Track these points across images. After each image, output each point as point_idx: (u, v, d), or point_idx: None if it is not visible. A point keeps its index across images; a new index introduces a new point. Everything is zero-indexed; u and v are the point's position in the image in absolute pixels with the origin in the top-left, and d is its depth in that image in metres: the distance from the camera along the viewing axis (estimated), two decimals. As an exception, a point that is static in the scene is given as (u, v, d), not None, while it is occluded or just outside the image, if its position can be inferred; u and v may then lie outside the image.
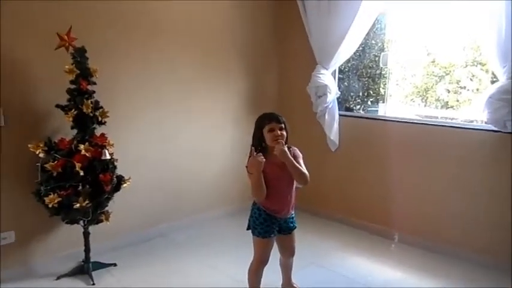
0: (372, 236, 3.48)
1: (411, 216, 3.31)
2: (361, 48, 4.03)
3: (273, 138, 2.07)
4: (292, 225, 2.30)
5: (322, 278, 2.75)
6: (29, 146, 2.34)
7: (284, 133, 2.11)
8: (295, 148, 2.20)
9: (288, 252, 2.36)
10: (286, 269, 2.48)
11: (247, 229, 2.28)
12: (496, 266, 2.84)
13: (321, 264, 2.92)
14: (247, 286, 2.32)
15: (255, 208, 2.23)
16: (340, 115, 3.64)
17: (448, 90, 4.21)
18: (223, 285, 2.63)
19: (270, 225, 2.18)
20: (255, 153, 2.07)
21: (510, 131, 2.66)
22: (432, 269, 2.91)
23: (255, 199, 2.19)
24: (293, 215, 2.31)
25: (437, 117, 3.94)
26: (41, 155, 2.36)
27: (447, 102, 4.19)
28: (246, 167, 2.15)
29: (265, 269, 2.26)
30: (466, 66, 4.01)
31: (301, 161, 2.17)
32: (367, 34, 3.60)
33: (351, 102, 4.26)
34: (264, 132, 2.10)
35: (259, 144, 2.12)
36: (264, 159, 2.03)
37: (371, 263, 3.01)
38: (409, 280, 2.76)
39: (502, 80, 2.64)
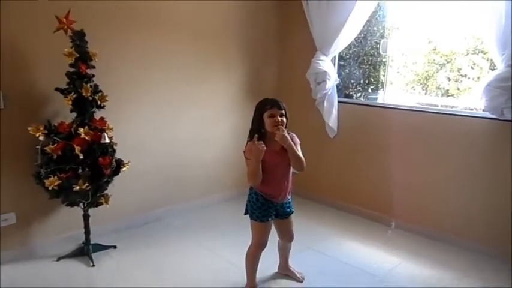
0: (369, 222, 3.51)
1: (409, 203, 3.33)
2: (362, 35, 4.01)
3: (274, 124, 2.08)
4: (289, 210, 2.34)
5: (318, 262, 2.79)
6: (29, 128, 2.35)
7: (284, 119, 2.11)
8: (294, 134, 2.22)
9: (286, 236, 2.41)
10: (284, 252, 2.53)
11: (245, 214, 2.31)
12: (495, 254, 2.88)
13: (317, 249, 2.96)
14: (245, 269, 2.36)
15: (252, 193, 2.25)
16: (339, 102, 3.64)
17: (448, 78, 4.19)
18: (220, 268, 2.67)
19: (267, 209, 2.21)
20: (254, 139, 2.07)
21: (507, 118, 2.67)
22: (429, 255, 2.94)
23: (251, 184, 2.22)
24: (290, 200, 2.35)
25: (437, 105, 3.93)
26: (41, 138, 2.38)
27: (448, 90, 4.18)
28: (244, 152, 2.16)
29: (262, 253, 2.30)
30: (467, 54, 3.99)
31: (299, 148, 2.19)
32: (369, 21, 3.58)
33: (350, 90, 4.25)
34: (264, 117, 2.10)
35: (258, 129, 2.12)
36: (265, 147, 2.04)
37: (367, 248, 3.05)
38: (405, 265, 2.80)
39: (500, 67, 2.64)
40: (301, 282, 2.50)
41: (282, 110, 2.10)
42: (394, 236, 3.29)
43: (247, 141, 2.16)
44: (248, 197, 2.29)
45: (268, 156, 2.08)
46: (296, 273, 2.54)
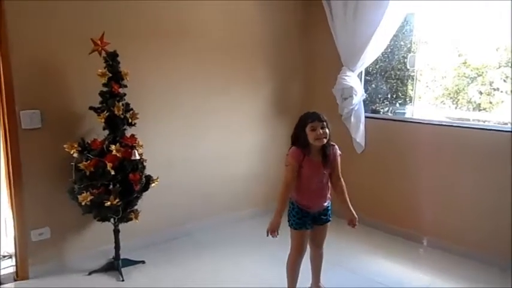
0: (399, 239, 3.42)
1: (440, 219, 3.23)
2: (389, 50, 3.98)
3: (316, 137, 2.13)
4: (325, 217, 2.34)
5: (348, 281, 2.74)
6: (64, 146, 2.45)
7: (327, 131, 2.16)
8: (336, 146, 2.27)
9: (315, 241, 2.39)
10: (315, 265, 2.50)
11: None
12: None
13: (347, 267, 2.91)
14: (286, 278, 2.38)
15: (290, 201, 2.29)
16: (366, 117, 3.61)
17: (480, 91, 4.08)
18: (249, 283, 2.66)
19: (301, 217, 2.25)
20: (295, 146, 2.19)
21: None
22: (461, 274, 2.85)
23: (283, 191, 2.22)
24: (329, 208, 2.35)
25: (468, 120, 3.83)
26: (75, 154, 2.47)
27: (479, 104, 4.07)
28: (287, 155, 2.23)
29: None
30: (500, 67, 3.89)
31: (339, 159, 2.26)
32: (396, 35, 3.56)
33: (377, 105, 4.21)
34: (307, 130, 2.15)
35: (301, 141, 2.18)
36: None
37: (398, 266, 2.98)
38: (437, 284, 2.72)
39: (536, 80, 2.56)
40: None
41: (322, 121, 2.15)
42: (426, 254, 3.19)
43: (290, 147, 2.24)
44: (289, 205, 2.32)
45: (307, 167, 2.17)
46: None
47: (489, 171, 2.95)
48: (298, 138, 2.19)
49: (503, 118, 3.54)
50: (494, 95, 3.97)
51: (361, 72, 3.70)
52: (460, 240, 3.11)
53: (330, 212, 2.36)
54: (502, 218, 2.88)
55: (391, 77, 4.19)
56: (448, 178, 3.17)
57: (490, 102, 4.01)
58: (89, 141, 2.53)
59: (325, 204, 2.32)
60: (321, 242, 2.42)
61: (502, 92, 3.91)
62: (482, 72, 4.05)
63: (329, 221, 2.37)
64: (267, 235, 2.18)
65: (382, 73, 4.15)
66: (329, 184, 2.30)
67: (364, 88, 3.69)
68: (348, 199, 2.31)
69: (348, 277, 2.79)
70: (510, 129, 2.87)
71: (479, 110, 4.02)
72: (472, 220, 3.05)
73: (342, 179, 2.30)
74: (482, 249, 2.99)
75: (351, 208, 2.31)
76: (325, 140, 2.14)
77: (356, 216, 2.30)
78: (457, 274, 2.84)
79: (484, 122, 3.61)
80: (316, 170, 2.20)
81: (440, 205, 3.23)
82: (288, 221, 2.30)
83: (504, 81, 3.91)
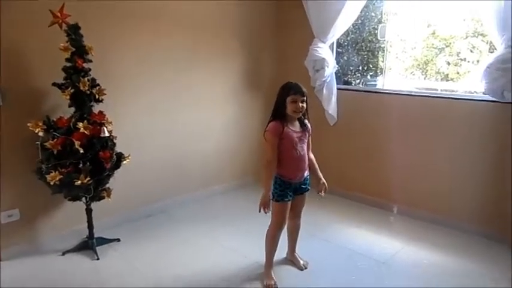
0: (371, 208, 3.54)
1: (410, 188, 3.34)
2: (360, 21, 3.97)
3: (294, 109, 2.18)
4: (304, 187, 2.40)
5: (321, 249, 2.82)
6: (28, 124, 2.35)
7: (305, 105, 2.21)
8: (308, 123, 2.34)
9: (294, 211, 2.42)
10: (292, 236, 2.56)
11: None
12: (496, 237, 2.90)
13: (320, 236, 2.98)
14: (265, 250, 2.41)
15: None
16: (338, 89, 3.63)
17: (448, 62, 4.16)
18: (224, 256, 2.69)
19: (284, 189, 2.28)
20: (274, 120, 2.22)
21: (508, 100, 2.66)
22: (431, 239, 2.97)
23: (265, 166, 2.24)
24: (308, 177, 2.40)
25: (437, 90, 3.92)
26: (41, 133, 2.37)
27: (447, 74, 4.16)
28: (265, 131, 2.23)
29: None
30: (467, 37, 3.96)
31: (310, 132, 2.36)
32: (366, 6, 3.55)
33: (349, 76, 4.23)
34: (287, 101, 2.18)
35: (280, 111, 2.21)
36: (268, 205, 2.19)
37: (370, 234, 3.07)
38: (408, 250, 2.82)
39: (501, 49, 2.62)
40: (302, 270, 2.52)
41: (304, 96, 2.20)
42: (397, 222, 3.31)
43: (269, 121, 2.25)
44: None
45: (287, 138, 2.21)
46: (300, 260, 2.57)
47: (458, 139, 3.04)
48: (278, 109, 2.22)
49: (469, 87, 3.64)
50: (461, 65, 4.06)
51: (333, 43, 3.70)
52: (430, 207, 3.24)
53: (308, 181, 2.42)
54: (472, 185, 3.01)
55: (362, 49, 4.21)
56: (418, 147, 3.26)
57: (457, 73, 4.10)
58: (55, 119, 2.44)
59: (306, 174, 2.37)
60: (299, 212, 2.48)
61: (468, 62, 4.00)
62: (450, 43, 4.12)
63: (308, 189, 2.43)
64: (259, 211, 2.21)
65: (353, 45, 4.16)
66: (306, 155, 2.34)
67: (336, 60, 3.70)
68: (317, 168, 2.42)
69: (322, 245, 2.86)
70: (478, 98, 2.96)
71: (447, 80, 4.11)
72: (442, 187, 3.17)
73: (312, 155, 2.41)
74: (452, 215, 3.12)
75: (321, 176, 2.42)
76: (300, 114, 2.22)
77: (325, 183, 2.41)
78: (428, 240, 2.96)
79: (452, 91, 3.70)
80: (296, 140, 2.24)
81: (410, 173, 3.33)
82: (272, 195, 2.30)
83: (471, 51, 3.99)
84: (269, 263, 2.43)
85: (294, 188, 2.33)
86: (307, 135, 2.32)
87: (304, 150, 2.30)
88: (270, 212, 2.28)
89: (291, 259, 2.60)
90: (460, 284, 2.40)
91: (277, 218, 2.32)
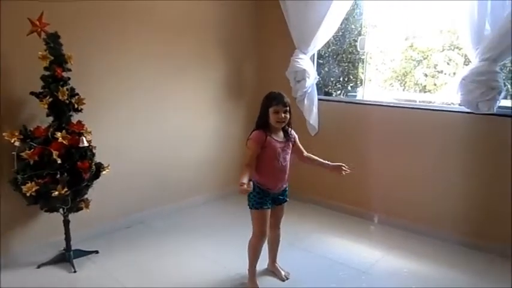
0: (351, 217, 3.56)
1: (391, 198, 3.38)
2: (340, 33, 4.05)
3: (277, 119, 2.20)
4: (282, 198, 2.41)
5: (302, 259, 2.81)
6: (4, 134, 2.30)
7: (288, 116, 2.23)
8: (292, 130, 2.37)
9: (273, 222, 2.42)
10: (272, 246, 2.55)
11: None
12: (476, 246, 2.94)
13: (300, 246, 2.98)
14: (247, 261, 2.40)
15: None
16: (319, 99, 3.67)
17: (425, 74, 4.27)
18: (205, 268, 2.66)
19: (262, 197, 2.28)
20: (258, 129, 2.24)
21: (483, 112, 2.73)
22: (411, 248, 3.00)
23: (244, 170, 2.18)
24: (286, 188, 2.43)
25: (415, 101, 4.00)
26: (17, 143, 2.32)
27: (425, 86, 4.26)
28: (248, 139, 2.24)
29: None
30: (443, 50, 4.07)
31: (297, 140, 2.40)
32: (346, 19, 3.61)
33: (330, 87, 4.29)
34: (270, 112, 2.20)
35: (263, 121, 2.24)
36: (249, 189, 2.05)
37: (350, 243, 3.09)
38: (388, 259, 2.85)
39: (475, 62, 2.70)
40: (283, 281, 2.51)
41: (286, 107, 2.21)
42: (377, 231, 3.34)
43: (253, 130, 2.26)
44: None
45: (270, 148, 2.22)
46: (282, 271, 2.55)
47: (436, 149, 3.11)
48: (261, 119, 2.24)
49: (446, 99, 3.73)
50: (438, 77, 4.16)
51: (314, 55, 3.75)
52: (410, 216, 3.28)
53: (287, 192, 2.44)
54: (451, 194, 3.06)
55: (343, 60, 4.28)
56: (398, 157, 3.31)
57: (435, 84, 4.21)
58: (32, 129, 2.39)
59: (285, 185, 2.39)
60: (278, 222, 2.48)
61: (445, 74, 4.11)
62: (428, 56, 4.23)
63: (286, 201, 2.45)
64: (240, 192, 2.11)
65: (334, 56, 4.23)
66: (288, 166, 2.34)
67: (317, 71, 3.75)
68: (321, 159, 2.45)
69: (302, 255, 2.86)
70: (454, 110, 3.03)
71: (425, 92, 4.21)
72: (421, 197, 3.21)
73: (309, 154, 2.46)
74: (433, 225, 3.16)
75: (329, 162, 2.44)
76: (283, 124, 2.25)
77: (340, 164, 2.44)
78: (408, 249, 2.99)
79: (429, 103, 3.78)
80: (279, 150, 2.25)
81: (390, 183, 3.38)
82: (248, 203, 2.32)
83: (448, 63, 4.11)
84: (252, 273, 2.42)
85: (272, 197, 2.34)
86: (290, 145, 2.33)
87: (286, 161, 2.31)
88: (251, 218, 2.29)
89: (272, 270, 2.59)
90: (438, 293, 2.43)
91: (257, 226, 2.32)
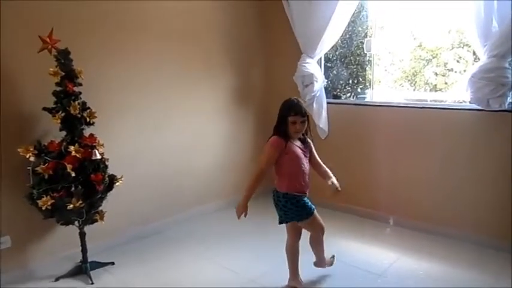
0: (366, 220, 3.53)
1: (404, 199, 3.35)
2: (347, 36, 4.05)
3: (295, 130, 2.21)
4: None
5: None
6: (19, 150, 2.35)
7: (305, 125, 2.24)
8: (310, 140, 2.39)
9: (298, 229, 2.45)
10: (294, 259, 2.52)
11: (280, 223, 2.36)
12: (493, 246, 2.89)
13: (316, 251, 2.96)
14: (289, 264, 2.49)
15: (284, 200, 2.29)
16: (328, 103, 3.67)
17: (435, 73, 4.23)
18: (220, 276, 2.67)
19: (307, 202, 2.33)
20: (277, 135, 2.25)
21: (494, 108, 2.70)
22: (426, 250, 2.96)
23: (256, 173, 2.25)
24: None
25: (426, 100, 3.97)
26: (32, 158, 2.37)
27: (435, 85, 4.22)
28: (267, 143, 2.27)
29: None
30: (452, 48, 4.03)
31: (313, 148, 2.42)
32: (353, 21, 3.61)
33: (339, 90, 4.28)
34: (288, 121, 2.20)
35: (281, 129, 2.23)
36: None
37: (365, 246, 3.07)
38: (403, 261, 2.82)
39: (483, 59, 2.67)
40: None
41: (304, 117, 2.21)
42: (391, 233, 3.31)
43: (271, 136, 2.27)
44: (279, 205, 2.32)
45: (292, 152, 2.24)
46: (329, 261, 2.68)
47: (448, 148, 3.07)
48: (280, 126, 2.24)
49: (458, 97, 3.69)
50: (448, 75, 4.12)
51: (321, 58, 3.76)
52: (425, 218, 3.24)
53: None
54: (466, 194, 3.02)
55: (351, 63, 4.27)
56: (410, 157, 3.28)
57: (445, 83, 4.17)
58: (46, 144, 2.44)
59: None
60: (300, 231, 2.49)
61: (456, 72, 4.07)
62: (437, 54, 4.20)
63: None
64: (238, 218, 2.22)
65: (342, 59, 4.22)
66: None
67: (325, 75, 3.75)
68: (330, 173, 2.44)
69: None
70: (465, 107, 3.00)
71: (436, 91, 4.17)
72: (435, 197, 3.17)
73: (321, 163, 2.45)
74: (448, 225, 3.12)
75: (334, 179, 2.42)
76: (300, 134, 2.27)
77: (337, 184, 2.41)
78: (423, 250, 2.95)
79: (441, 102, 3.74)
80: (301, 155, 2.28)
81: (404, 184, 3.34)
82: (296, 217, 2.32)
83: (457, 61, 4.07)
84: (295, 270, 2.47)
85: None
86: (308, 152, 2.35)
87: (307, 166, 2.33)
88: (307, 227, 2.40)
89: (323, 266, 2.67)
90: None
91: (318, 225, 2.40)
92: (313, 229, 2.42)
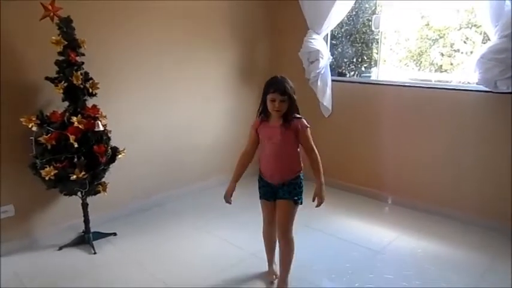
0: (366, 199, 3.55)
1: (405, 178, 3.36)
2: (354, 13, 3.98)
3: (272, 108, 2.04)
4: (282, 194, 2.13)
5: (316, 240, 2.83)
6: (21, 119, 2.33)
7: (284, 105, 2.02)
8: (303, 119, 2.11)
9: (277, 226, 2.20)
10: (280, 259, 2.26)
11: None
12: (490, 226, 2.92)
13: (315, 227, 2.99)
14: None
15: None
16: (332, 81, 3.63)
17: (441, 53, 4.18)
18: (220, 249, 2.71)
19: (261, 187, 2.23)
20: (259, 116, 2.15)
21: (501, 90, 2.67)
22: (426, 228, 2.99)
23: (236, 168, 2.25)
24: (294, 186, 2.14)
25: (431, 81, 3.94)
26: (34, 128, 2.36)
27: (441, 65, 4.18)
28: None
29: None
30: (460, 28, 3.97)
31: (309, 132, 2.12)
32: (360, -3, 3.53)
33: (343, 68, 4.24)
34: (267, 99, 2.05)
35: (263, 107, 2.13)
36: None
37: (365, 224, 3.10)
38: (402, 239, 2.85)
39: (494, 39, 2.63)
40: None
41: (284, 95, 2.00)
42: (391, 212, 3.34)
43: (256, 117, 2.19)
44: None
45: (262, 132, 2.14)
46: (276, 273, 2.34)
47: (452, 129, 3.06)
48: (261, 103, 2.13)
49: (463, 78, 3.66)
50: (455, 56, 4.08)
51: (327, 35, 3.69)
52: (425, 197, 3.26)
53: (293, 191, 2.13)
54: (466, 174, 3.03)
55: (356, 41, 4.21)
56: (413, 137, 3.27)
57: (451, 64, 4.13)
58: (48, 114, 2.42)
59: (287, 177, 2.13)
60: (280, 224, 2.16)
61: (462, 53, 4.02)
62: (444, 34, 4.14)
63: (287, 198, 2.12)
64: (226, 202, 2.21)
65: (348, 37, 4.16)
66: (297, 157, 2.16)
67: (330, 52, 3.69)
68: (321, 175, 2.13)
69: (317, 236, 2.88)
70: (471, 89, 2.97)
71: (441, 72, 4.13)
72: (436, 177, 3.18)
73: (315, 151, 2.13)
74: (447, 205, 3.14)
75: (322, 187, 2.13)
76: (280, 113, 2.04)
77: (323, 197, 2.14)
78: (422, 229, 2.98)
79: (446, 82, 3.71)
80: (271, 134, 2.09)
81: (404, 164, 3.35)
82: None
83: (464, 42, 4.01)
84: (268, 258, 2.38)
85: (274, 189, 2.16)
86: (290, 135, 2.08)
87: (282, 150, 2.10)
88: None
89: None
90: (454, 273, 2.42)
91: (263, 214, 2.29)
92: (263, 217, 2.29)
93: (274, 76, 2.10)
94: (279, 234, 2.20)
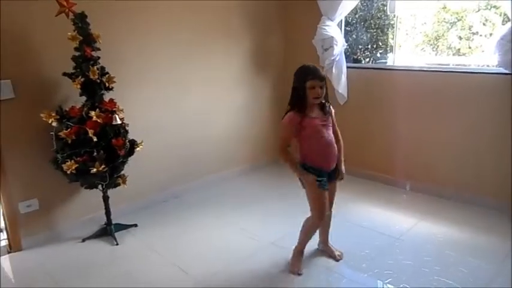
0: (384, 186, 3.53)
1: (423, 164, 3.33)
2: (368, -2, 3.91)
3: (314, 95, 2.03)
4: (334, 176, 2.25)
5: (336, 227, 2.81)
6: (41, 115, 2.38)
7: (323, 91, 2.05)
8: (330, 105, 2.19)
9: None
10: (324, 227, 2.43)
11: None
12: (509, 210, 2.87)
13: (334, 214, 2.97)
14: (300, 238, 2.37)
15: (302, 166, 2.17)
16: (347, 67, 3.59)
17: (459, 36, 4.08)
18: (237, 238, 2.73)
19: (321, 178, 2.14)
20: (292, 110, 2.08)
21: (522, 72, 2.61)
22: (444, 214, 2.96)
23: (279, 154, 2.17)
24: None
25: (448, 65, 3.85)
26: (54, 123, 2.41)
27: (459, 49, 4.08)
28: (282, 122, 2.13)
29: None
30: (479, 10, 3.86)
31: (334, 115, 2.22)
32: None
33: (359, 55, 4.18)
34: (307, 86, 2.02)
35: (298, 98, 2.06)
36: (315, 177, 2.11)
37: (384, 211, 3.08)
38: (421, 225, 2.83)
39: (514, 19, 2.56)
40: (337, 261, 2.41)
41: (323, 81, 2.03)
42: (410, 198, 3.31)
43: (287, 111, 2.12)
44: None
45: (309, 126, 2.09)
46: (335, 251, 2.47)
47: (470, 113, 3.00)
48: (295, 97, 2.08)
49: (482, 62, 3.56)
50: (473, 39, 3.97)
51: (341, 21, 3.64)
52: (443, 182, 3.22)
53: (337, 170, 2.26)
54: (486, 159, 2.98)
55: (371, 27, 4.14)
56: (430, 122, 3.22)
57: (469, 47, 4.02)
58: (67, 109, 2.47)
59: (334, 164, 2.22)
60: (332, 201, 2.34)
61: (481, 36, 3.91)
62: (462, 17, 4.03)
63: (335, 179, 2.27)
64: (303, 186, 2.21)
65: (362, 23, 4.10)
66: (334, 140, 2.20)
67: (345, 39, 3.65)
68: (342, 158, 2.24)
69: (337, 224, 2.84)
70: (491, 71, 2.90)
71: (459, 55, 4.03)
72: (455, 162, 3.14)
73: (339, 136, 2.24)
74: (467, 190, 3.10)
75: (343, 167, 2.26)
76: (320, 100, 2.07)
77: (343, 174, 2.27)
78: (441, 215, 2.95)
79: (464, 66, 3.63)
80: (319, 127, 2.11)
81: (422, 150, 3.31)
82: (303, 184, 2.22)
83: (484, 24, 3.90)
84: (299, 254, 2.36)
85: (327, 175, 2.19)
86: (330, 120, 2.17)
87: (331, 136, 2.15)
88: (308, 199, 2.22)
89: (325, 250, 2.49)
90: (475, 258, 2.40)
91: (319, 208, 2.18)
92: (312, 208, 2.22)
93: (305, 64, 2.10)
94: (330, 208, 2.33)
